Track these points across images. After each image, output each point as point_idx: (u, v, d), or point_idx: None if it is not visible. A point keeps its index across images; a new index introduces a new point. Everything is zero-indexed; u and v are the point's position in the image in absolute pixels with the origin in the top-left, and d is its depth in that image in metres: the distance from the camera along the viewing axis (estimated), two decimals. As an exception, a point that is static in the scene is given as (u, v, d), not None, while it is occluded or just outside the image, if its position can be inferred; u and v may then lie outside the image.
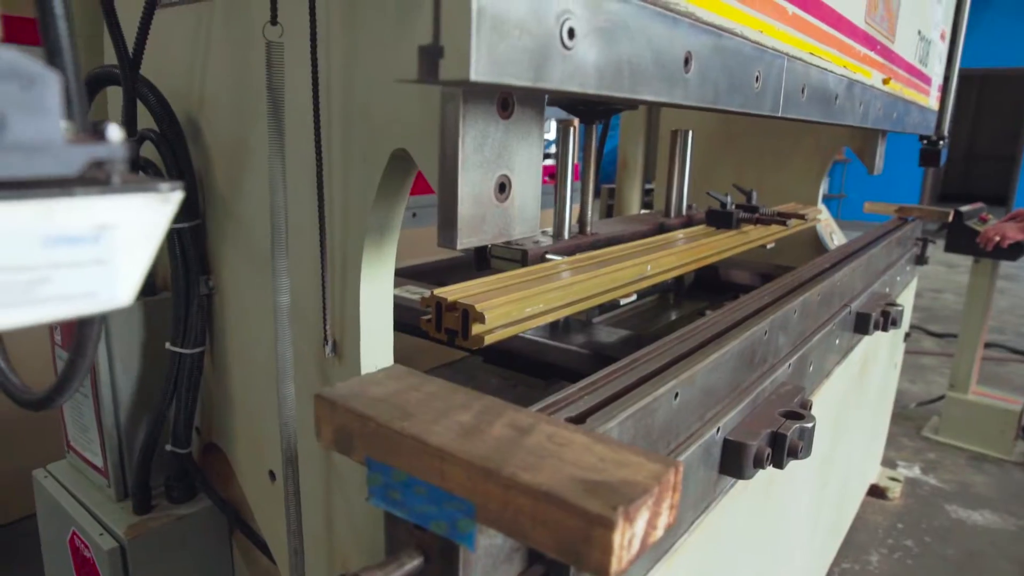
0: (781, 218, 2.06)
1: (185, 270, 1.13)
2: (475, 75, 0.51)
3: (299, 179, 0.94)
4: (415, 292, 1.63)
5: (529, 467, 0.55)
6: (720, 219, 1.99)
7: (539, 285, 1.24)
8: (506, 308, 1.12)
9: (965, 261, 6.33)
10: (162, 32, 1.10)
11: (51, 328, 1.28)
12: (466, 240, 0.78)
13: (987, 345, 4.16)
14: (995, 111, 11.45)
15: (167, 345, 1.16)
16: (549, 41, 0.58)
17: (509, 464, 0.55)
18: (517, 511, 0.53)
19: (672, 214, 2.22)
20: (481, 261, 1.64)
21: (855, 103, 1.53)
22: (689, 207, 2.28)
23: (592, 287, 1.34)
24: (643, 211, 2.97)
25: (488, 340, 1.08)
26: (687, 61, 0.79)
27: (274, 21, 0.83)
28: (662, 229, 2.09)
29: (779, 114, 1.11)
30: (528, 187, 0.83)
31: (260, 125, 1.00)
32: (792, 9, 1.04)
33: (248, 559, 1.28)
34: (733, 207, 2.00)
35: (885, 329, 1.86)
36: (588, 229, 1.85)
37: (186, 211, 1.12)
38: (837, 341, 1.67)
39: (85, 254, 0.34)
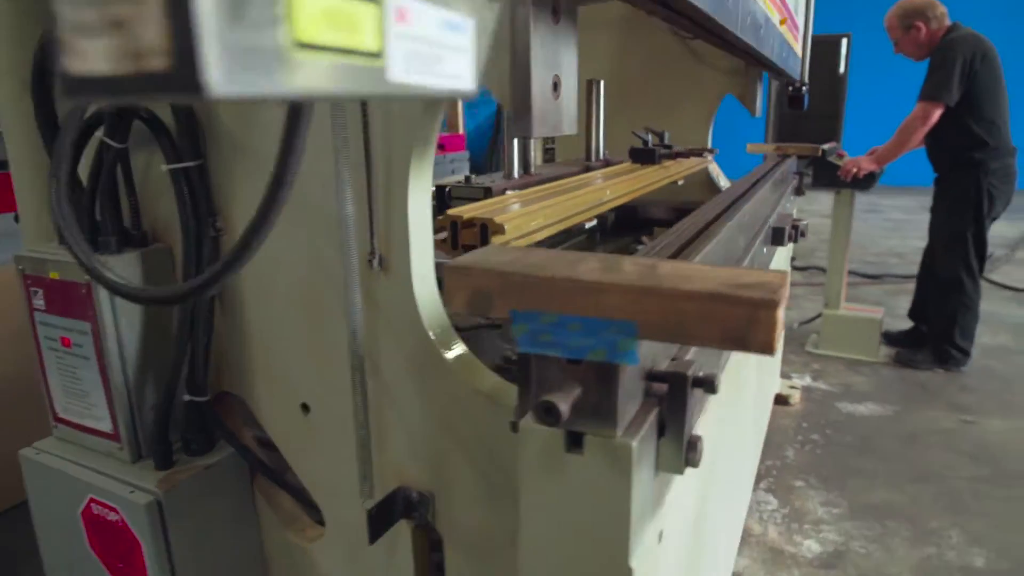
0: (696, 152, 2.28)
1: (195, 211, 1.12)
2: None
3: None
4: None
5: (682, 282, 0.66)
6: (643, 156, 2.17)
7: (530, 206, 1.35)
8: (517, 221, 1.22)
9: (813, 206, 7.08)
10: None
11: (28, 294, 1.21)
12: (539, 129, 0.87)
13: (841, 272, 4.75)
14: (816, 73, 12.88)
15: (179, 291, 1.14)
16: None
17: (665, 282, 0.66)
18: (681, 316, 0.64)
19: (593, 159, 2.39)
20: (441, 203, 1.71)
21: (770, 37, 1.75)
22: (604, 153, 2.46)
23: (574, 206, 1.46)
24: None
25: (510, 250, 1.17)
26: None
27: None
28: (588, 171, 2.24)
29: (738, 33, 1.27)
30: (571, 89, 0.93)
31: None
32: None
33: (272, 503, 1.29)
34: (653, 145, 2.20)
35: (796, 240, 2.13)
36: (532, 170, 1.96)
37: (192, 150, 1.10)
38: (765, 250, 1.90)
39: (459, 41, 0.40)
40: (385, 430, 1.09)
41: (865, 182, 3.43)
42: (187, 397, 1.18)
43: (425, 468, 1.08)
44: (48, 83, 1.15)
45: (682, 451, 0.77)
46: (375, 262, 1.01)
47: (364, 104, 0.94)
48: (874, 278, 5.13)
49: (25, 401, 2.18)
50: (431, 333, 1.01)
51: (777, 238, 2.07)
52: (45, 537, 1.26)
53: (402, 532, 1.12)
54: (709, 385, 0.78)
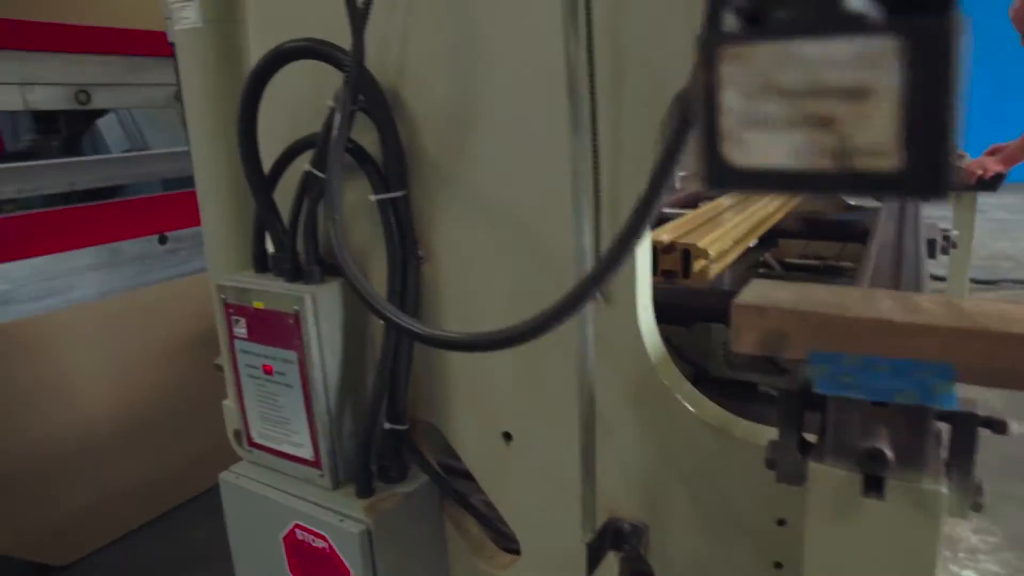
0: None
1: (401, 240, 1.16)
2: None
3: (551, 130, 1.00)
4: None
5: (1009, 324, 0.65)
6: (782, 166, 2.15)
7: (712, 228, 1.35)
8: (716, 245, 1.23)
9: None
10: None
11: (229, 322, 1.27)
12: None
13: (952, 279, 4.60)
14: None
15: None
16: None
17: (990, 324, 0.66)
18: (1012, 359, 0.64)
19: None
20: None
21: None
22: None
23: (750, 223, 1.46)
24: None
25: (712, 273, 1.19)
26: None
27: (575, -30, 0.89)
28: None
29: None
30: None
31: (487, 82, 1.06)
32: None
33: (461, 528, 1.32)
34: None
35: (946, 252, 2.08)
36: (676, 185, 1.97)
37: (398, 180, 1.15)
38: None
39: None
40: (598, 460, 1.11)
41: (991, 183, 3.31)
42: (387, 425, 1.22)
43: (638, 499, 1.10)
44: (252, 124, 1.21)
45: (969, 496, 0.77)
46: (600, 294, 1.03)
47: (594, 133, 0.97)
48: (989, 283, 4.96)
49: (177, 414, 2.34)
50: (655, 364, 1.03)
51: (931, 250, 2.03)
52: (241, 557, 1.33)
53: (608, 565, 1.14)
54: (999, 426, 0.77)
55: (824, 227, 2.57)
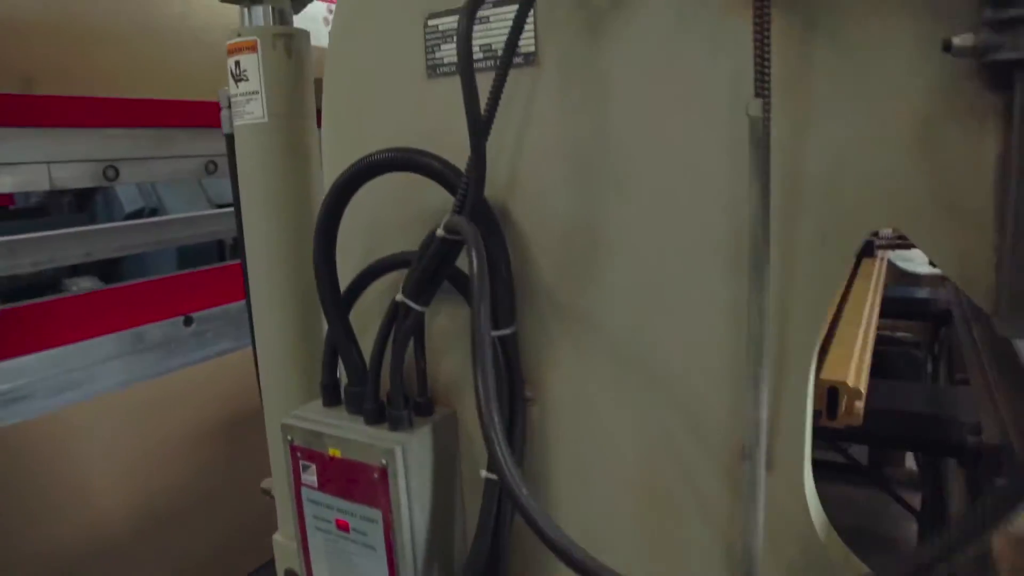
0: (900, 240, 2.12)
1: (508, 380, 1.00)
2: None
3: (705, 267, 0.86)
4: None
5: None
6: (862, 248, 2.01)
7: (846, 347, 1.19)
8: (862, 378, 1.07)
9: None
10: (448, 107, 0.98)
11: (296, 468, 1.10)
12: (1034, 329, 0.72)
13: None
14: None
15: (483, 473, 1.02)
16: None
17: None
18: None
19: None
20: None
21: None
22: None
23: (866, 332, 1.31)
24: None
25: (861, 413, 1.03)
26: None
27: (761, 93, 0.74)
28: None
29: None
30: None
31: (623, 204, 0.91)
32: None
33: None
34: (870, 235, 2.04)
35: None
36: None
37: (507, 315, 0.99)
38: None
39: None
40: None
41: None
42: (487, 592, 1.05)
43: None
44: (331, 242, 1.05)
45: None
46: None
47: (763, 300, 0.81)
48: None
49: (198, 507, 2.16)
50: (824, 541, 0.87)
51: None
52: None
53: None
54: None
55: (890, 304, 2.40)
